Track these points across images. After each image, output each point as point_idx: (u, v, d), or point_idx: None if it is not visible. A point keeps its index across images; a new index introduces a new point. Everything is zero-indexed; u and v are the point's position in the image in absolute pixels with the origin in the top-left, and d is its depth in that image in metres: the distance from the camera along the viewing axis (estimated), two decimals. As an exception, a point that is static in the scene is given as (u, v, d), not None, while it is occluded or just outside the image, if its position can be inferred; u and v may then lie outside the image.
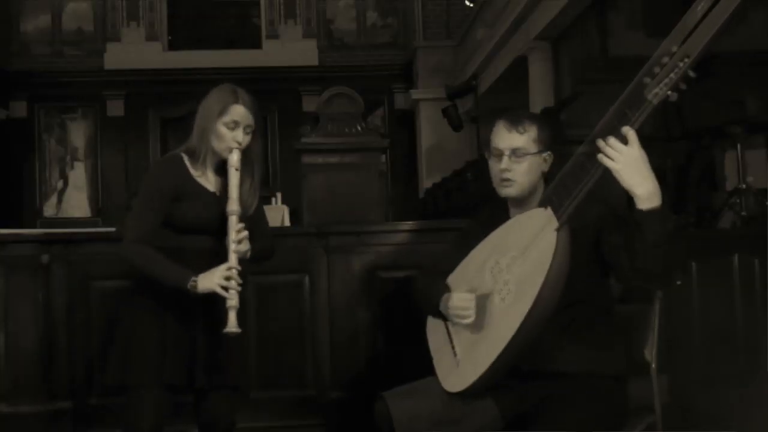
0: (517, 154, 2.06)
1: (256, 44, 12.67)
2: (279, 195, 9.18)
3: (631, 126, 1.71)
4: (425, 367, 2.14)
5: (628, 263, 1.84)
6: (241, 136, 2.25)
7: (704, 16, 1.64)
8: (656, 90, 1.67)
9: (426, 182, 10.93)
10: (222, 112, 2.25)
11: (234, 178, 2.23)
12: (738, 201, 5.45)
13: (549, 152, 2.09)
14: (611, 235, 1.95)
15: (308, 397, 3.40)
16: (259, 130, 2.32)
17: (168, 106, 11.88)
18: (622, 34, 7.61)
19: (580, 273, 1.96)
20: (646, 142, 1.73)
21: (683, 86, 1.67)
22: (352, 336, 3.40)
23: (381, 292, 3.40)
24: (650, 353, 2.21)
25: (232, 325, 2.14)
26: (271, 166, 12.29)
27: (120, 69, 12.10)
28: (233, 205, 2.21)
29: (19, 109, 12.18)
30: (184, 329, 2.24)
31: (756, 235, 3.57)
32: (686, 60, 1.64)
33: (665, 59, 1.67)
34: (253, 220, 2.33)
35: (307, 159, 4.13)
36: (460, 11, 11.72)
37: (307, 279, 3.45)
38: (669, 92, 1.66)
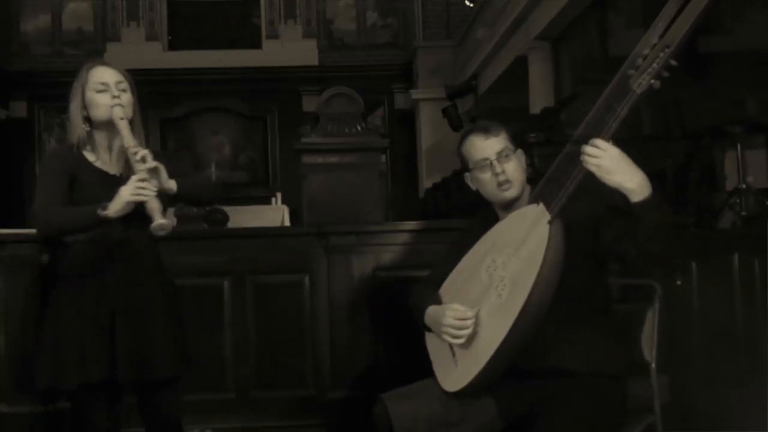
0: (503, 155, 2.11)
1: (256, 44, 12.67)
2: (279, 195, 9.19)
3: (618, 115, 1.77)
4: (425, 366, 2.14)
5: (634, 250, 1.87)
6: (115, 90, 2.21)
7: (682, 7, 1.70)
8: (640, 80, 1.73)
9: (426, 182, 10.93)
10: (84, 82, 2.22)
11: (123, 126, 2.17)
12: (738, 201, 5.44)
13: (521, 151, 2.16)
14: (610, 226, 1.96)
15: (308, 397, 3.40)
16: (135, 94, 2.28)
17: (168, 106, 11.87)
18: (622, 34, 7.61)
19: (577, 269, 1.96)
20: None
21: (666, 74, 1.73)
22: (352, 336, 3.40)
23: (381, 292, 3.40)
24: (650, 353, 2.21)
25: (158, 219, 2.08)
26: (271, 166, 12.30)
27: (120, 69, 12.09)
28: (128, 141, 2.15)
29: (19, 109, 12.18)
30: (100, 322, 2.18)
31: (756, 235, 3.56)
32: (667, 50, 1.71)
33: (647, 51, 1.73)
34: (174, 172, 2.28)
35: (307, 159, 4.12)
36: (460, 11, 11.72)
37: (307, 279, 3.45)
38: (652, 81, 1.73)
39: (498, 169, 2.09)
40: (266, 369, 3.40)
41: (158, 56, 12.29)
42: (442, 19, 12.17)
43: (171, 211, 5.18)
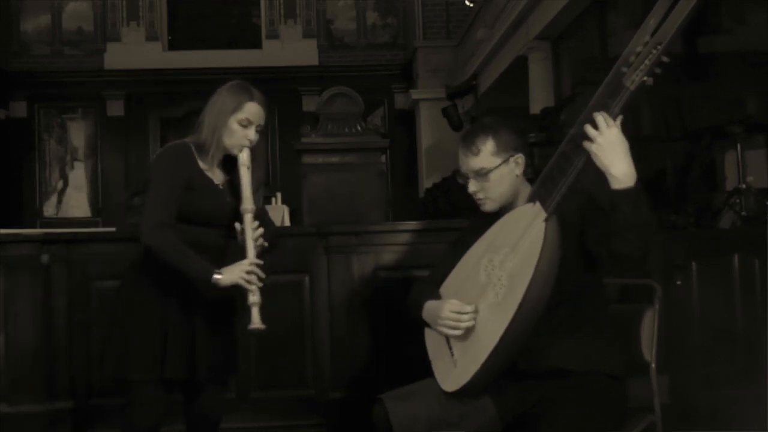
0: (479, 174, 2.08)
1: (256, 44, 12.68)
2: (279, 195, 9.18)
3: (611, 113, 1.78)
4: (425, 366, 2.14)
5: (605, 247, 1.87)
6: (253, 135, 2.24)
7: (672, 5, 1.73)
8: (633, 77, 1.76)
9: (426, 182, 10.94)
10: (236, 108, 2.23)
11: (246, 177, 2.22)
12: (738, 201, 5.44)
13: (519, 155, 2.09)
14: (594, 224, 1.96)
15: (308, 397, 3.41)
16: (263, 129, 2.31)
17: (168, 106, 11.89)
18: (622, 34, 7.60)
19: (571, 268, 1.97)
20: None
21: (658, 71, 1.75)
22: (352, 336, 3.40)
23: (381, 292, 3.40)
24: (650, 353, 2.21)
25: (256, 322, 2.13)
26: (271, 166, 12.30)
27: (120, 69, 12.11)
28: (247, 204, 2.20)
29: (19, 109, 12.19)
30: (185, 320, 2.22)
31: (756, 235, 3.56)
32: (659, 47, 1.73)
33: (639, 48, 1.76)
34: (258, 212, 2.32)
35: (307, 159, 4.13)
36: (460, 11, 11.72)
37: (307, 279, 3.45)
38: (645, 78, 1.75)
39: (472, 189, 2.09)
40: (266, 369, 3.40)
41: (158, 56, 12.29)
42: (442, 19, 12.18)
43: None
